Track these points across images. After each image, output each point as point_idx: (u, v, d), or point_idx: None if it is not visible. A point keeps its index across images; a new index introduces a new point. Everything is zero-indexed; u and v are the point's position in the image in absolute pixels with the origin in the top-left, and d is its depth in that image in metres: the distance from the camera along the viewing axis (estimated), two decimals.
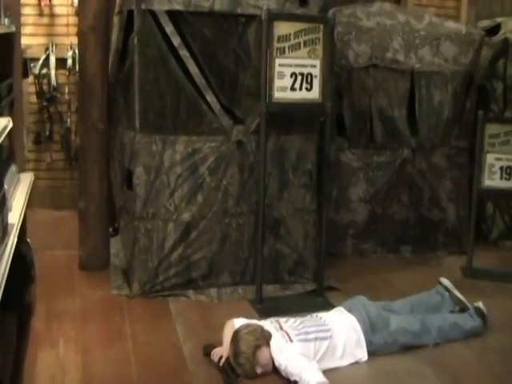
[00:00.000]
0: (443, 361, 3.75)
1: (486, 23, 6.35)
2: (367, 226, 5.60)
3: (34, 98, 6.39)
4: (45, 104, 6.30)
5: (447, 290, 4.20)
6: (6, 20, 3.87)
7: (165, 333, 4.00)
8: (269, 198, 4.55)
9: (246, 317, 3.77)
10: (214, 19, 4.32)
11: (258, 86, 4.32)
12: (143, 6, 4.22)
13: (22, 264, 3.72)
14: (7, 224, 2.95)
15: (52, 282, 4.63)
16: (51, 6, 6.18)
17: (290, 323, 3.62)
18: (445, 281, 4.25)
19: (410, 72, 5.44)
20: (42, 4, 6.19)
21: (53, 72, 6.07)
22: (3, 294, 2.49)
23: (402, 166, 5.58)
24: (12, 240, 2.96)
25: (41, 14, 6.14)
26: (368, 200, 5.57)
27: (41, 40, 6.15)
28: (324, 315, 3.76)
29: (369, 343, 3.69)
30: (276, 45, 4.20)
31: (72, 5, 6.10)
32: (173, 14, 4.25)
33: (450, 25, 5.69)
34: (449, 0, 7.71)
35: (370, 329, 3.73)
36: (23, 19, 4.81)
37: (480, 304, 4.09)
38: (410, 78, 5.46)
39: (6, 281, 2.60)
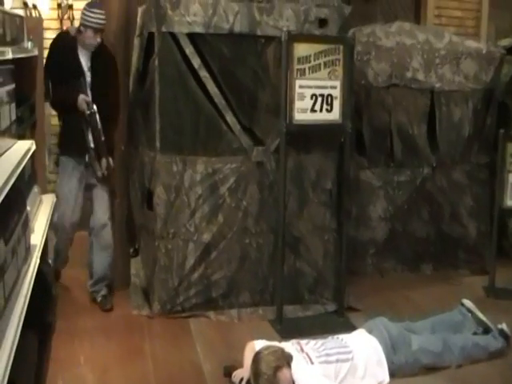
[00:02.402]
0: (466, 381, 3.71)
1: (506, 41, 6.33)
2: (387, 244, 5.57)
3: (55, 120, 6.43)
4: None
5: (470, 311, 4.15)
6: (29, 44, 3.92)
7: (185, 352, 4.00)
8: (288, 217, 4.55)
9: (267, 337, 3.76)
10: (233, 40, 4.35)
11: (277, 106, 4.34)
12: (164, 29, 4.26)
13: (43, 283, 3.74)
14: (30, 245, 2.97)
15: (72, 301, 4.67)
16: None
17: (311, 345, 3.60)
18: (467, 302, 4.21)
19: (430, 91, 5.44)
20: (64, 28, 6.29)
21: None
22: (25, 313, 2.51)
23: (422, 184, 5.56)
24: (34, 261, 2.99)
25: None
26: (388, 218, 5.55)
27: None
28: (345, 337, 3.74)
29: (390, 364, 3.66)
30: (296, 66, 4.21)
31: None
32: (193, 36, 4.29)
33: (471, 43, 5.69)
34: (468, 19, 7.71)
35: (392, 349, 3.70)
36: (45, 43, 4.86)
37: (504, 325, 4.04)
38: (430, 96, 5.46)
39: (29, 300, 2.62)
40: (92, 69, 4.50)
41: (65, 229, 4.64)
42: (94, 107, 4.39)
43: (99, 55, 4.51)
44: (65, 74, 4.43)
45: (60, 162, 4.62)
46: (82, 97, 4.37)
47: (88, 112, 4.38)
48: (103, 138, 4.43)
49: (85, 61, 4.48)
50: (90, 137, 4.45)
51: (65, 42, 4.53)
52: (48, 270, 4.00)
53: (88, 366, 3.82)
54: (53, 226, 4.58)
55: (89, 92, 4.45)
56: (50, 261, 4.05)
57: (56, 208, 4.49)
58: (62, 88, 4.44)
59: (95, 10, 4.35)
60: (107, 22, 4.45)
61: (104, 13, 4.39)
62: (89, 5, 4.40)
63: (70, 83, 4.41)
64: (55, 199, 4.15)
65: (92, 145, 4.46)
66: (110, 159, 4.54)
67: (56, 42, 4.61)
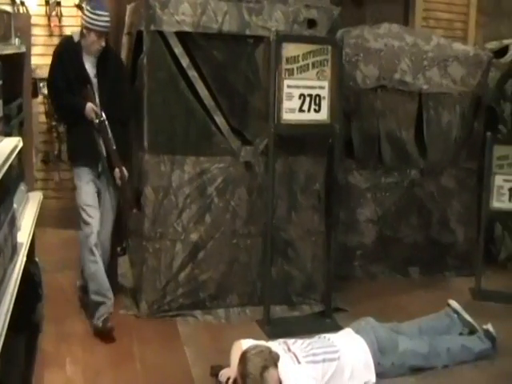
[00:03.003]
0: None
1: (493, 45, 6.37)
2: (375, 248, 5.58)
3: (43, 118, 6.44)
4: (54, 124, 6.35)
5: (456, 312, 4.17)
6: (17, 40, 3.90)
7: (173, 354, 3.99)
8: (277, 220, 4.55)
9: (254, 338, 3.74)
10: (222, 40, 4.35)
11: (266, 107, 4.34)
12: (152, 27, 4.25)
13: (30, 283, 3.71)
14: (16, 243, 2.94)
15: (60, 303, 4.62)
16: (61, 27, 6.27)
17: (297, 345, 3.60)
18: (453, 303, 4.22)
19: (417, 93, 5.45)
20: (52, 25, 6.29)
21: None
22: (11, 313, 2.48)
23: (410, 188, 5.57)
24: (21, 259, 2.96)
25: (50, 35, 6.23)
26: (376, 221, 5.55)
27: (50, 60, 6.17)
28: (332, 336, 3.74)
29: (377, 365, 3.67)
30: (285, 66, 4.22)
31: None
32: (182, 35, 4.28)
33: (458, 46, 5.71)
34: (456, 22, 7.75)
35: (379, 351, 3.70)
36: (33, 40, 4.81)
37: (489, 326, 4.06)
38: (418, 100, 5.47)
39: (15, 300, 2.59)
40: (98, 75, 4.28)
41: (98, 236, 4.32)
42: (103, 115, 4.22)
43: (105, 60, 4.28)
44: (70, 82, 4.22)
45: (74, 173, 4.41)
46: (89, 105, 4.18)
47: (97, 121, 4.21)
48: (114, 147, 4.25)
49: (90, 67, 4.26)
50: (102, 146, 4.28)
51: (69, 48, 4.29)
52: (35, 270, 3.96)
53: (76, 368, 3.78)
54: (83, 245, 4.32)
55: (97, 99, 4.27)
56: (36, 259, 4.01)
57: (82, 223, 4.29)
58: (69, 97, 4.23)
59: (99, 12, 4.12)
60: None
61: (108, 15, 4.17)
62: (92, 6, 4.17)
63: (76, 91, 4.22)
64: (41, 197, 4.10)
65: (104, 154, 4.30)
66: (124, 168, 4.34)
67: (59, 48, 4.39)
